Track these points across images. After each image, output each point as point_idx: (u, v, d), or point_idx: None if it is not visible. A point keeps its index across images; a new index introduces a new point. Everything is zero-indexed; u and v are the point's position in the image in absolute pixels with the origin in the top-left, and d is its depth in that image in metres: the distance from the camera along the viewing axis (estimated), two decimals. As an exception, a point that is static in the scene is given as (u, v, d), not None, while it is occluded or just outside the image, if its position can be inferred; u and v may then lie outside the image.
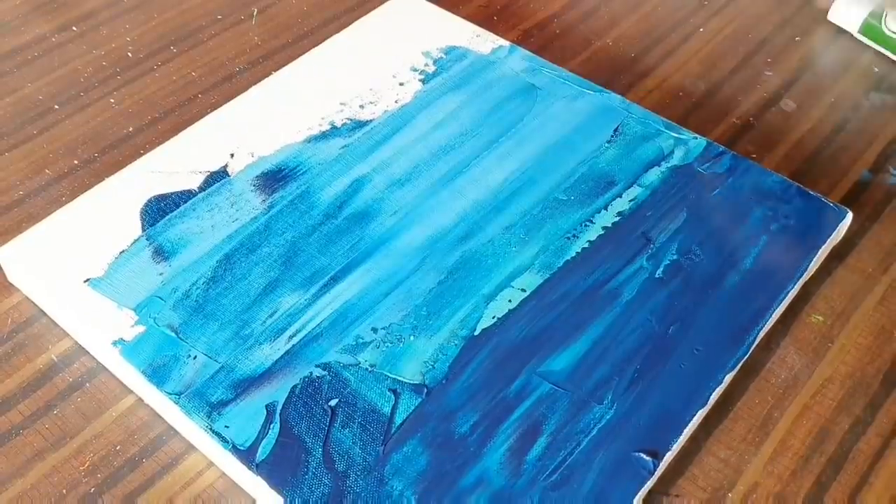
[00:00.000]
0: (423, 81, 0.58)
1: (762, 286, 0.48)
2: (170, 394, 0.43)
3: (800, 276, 0.48)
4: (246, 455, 0.41)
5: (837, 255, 0.52)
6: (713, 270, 0.48)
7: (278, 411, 0.42)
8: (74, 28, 0.65)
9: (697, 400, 0.43)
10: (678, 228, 0.50)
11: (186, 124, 0.56)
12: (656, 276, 0.48)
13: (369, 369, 0.44)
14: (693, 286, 0.48)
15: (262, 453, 0.41)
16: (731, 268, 0.48)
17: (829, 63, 0.64)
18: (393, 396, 0.43)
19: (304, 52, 0.60)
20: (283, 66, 0.59)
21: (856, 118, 0.60)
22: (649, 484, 0.41)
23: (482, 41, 0.61)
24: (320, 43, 0.61)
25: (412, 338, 0.45)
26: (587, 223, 0.50)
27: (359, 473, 0.41)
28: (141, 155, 0.54)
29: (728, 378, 0.44)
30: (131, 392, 0.45)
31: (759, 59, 0.64)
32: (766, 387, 0.46)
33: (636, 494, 0.40)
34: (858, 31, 0.65)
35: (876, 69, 0.64)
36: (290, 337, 0.45)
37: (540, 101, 0.57)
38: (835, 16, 0.66)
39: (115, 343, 0.44)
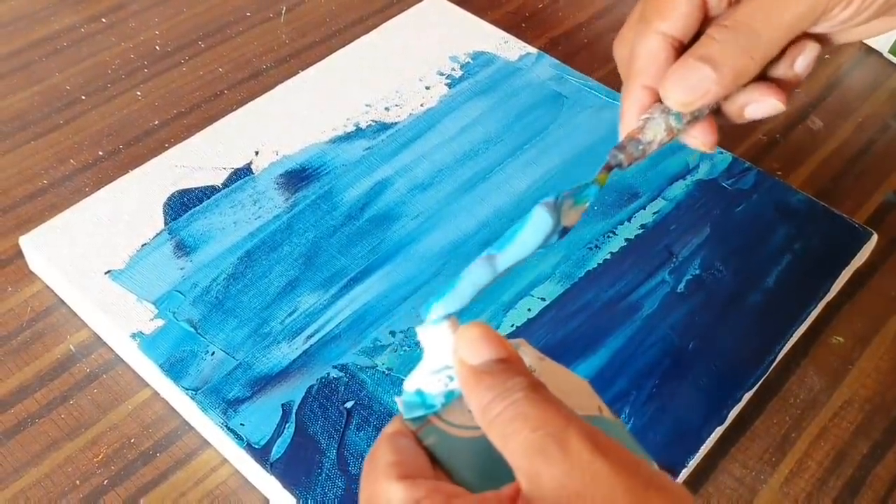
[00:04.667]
0: (450, 86, 0.58)
1: (784, 305, 0.47)
2: (186, 389, 0.43)
3: (822, 297, 0.48)
4: (260, 453, 0.41)
5: (860, 276, 0.51)
6: (735, 287, 0.48)
7: (294, 411, 0.42)
8: (104, 19, 0.65)
9: (715, 417, 0.43)
10: (701, 243, 0.50)
11: (212, 120, 0.56)
12: (678, 290, 0.48)
13: (386, 372, 0.44)
14: (714, 302, 0.47)
15: (276, 452, 0.41)
16: (754, 285, 0.48)
17: (857, 82, 0.64)
18: (409, 401, 0.43)
19: (331, 52, 0.60)
20: (310, 65, 0.59)
21: (883, 139, 0.60)
22: (664, 500, 0.40)
23: (510, 47, 0.61)
24: (348, 43, 0.61)
25: (430, 343, 0.45)
26: (610, 234, 0.50)
27: (372, 477, 0.40)
28: (165, 149, 0.54)
29: (747, 396, 0.44)
30: (147, 385, 0.45)
31: (787, 76, 0.64)
32: (784, 407, 0.46)
33: (650, 510, 0.40)
34: (889, 51, 0.65)
35: (905, 90, 0.63)
36: (308, 337, 0.45)
37: (566, 110, 0.57)
38: (865, 35, 0.66)
39: (133, 336, 0.44)
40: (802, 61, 0.33)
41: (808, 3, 0.31)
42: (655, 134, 0.32)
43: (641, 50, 0.32)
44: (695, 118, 0.32)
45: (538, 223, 0.33)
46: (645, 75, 0.32)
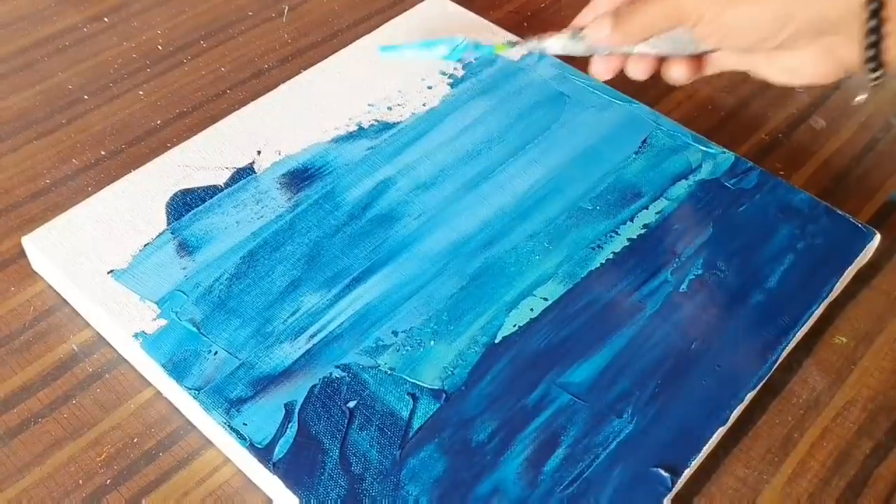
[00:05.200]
0: (452, 85, 0.58)
1: (786, 305, 0.47)
2: (189, 389, 0.43)
3: (825, 297, 0.48)
4: (263, 453, 0.41)
5: (863, 276, 0.51)
6: (738, 287, 0.48)
7: (297, 411, 0.42)
8: (106, 19, 0.65)
9: (718, 417, 0.43)
10: (704, 243, 0.50)
11: (214, 119, 0.56)
12: (680, 290, 0.48)
13: (388, 372, 0.44)
14: (717, 302, 0.47)
15: (279, 452, 0.41)
16: (756, 285, 0.48)
17: (860, 82, 0.64)
18: (411, 401, 0.43)
19: (333, 52, 0.60)
20: (313, 64, 0.60)
21: (886, 139, 0.59)
22: (666, 501, 0.41)
23: (512, 47, 0.61)
24: (350, 43, 0.61)
25: (432, 343, 0.45)
26: (612, 234, 0.50)
27: (375, 477, 0.40)
28: (168, 148, 0.54)
29: (749, 397, 0.44)
30: (150, 385, 0.45)
31: (789, 76, 0.64)
32: (787, 407, 0.46)
33: (653, 510, 0.40)
34: (891, 51, 0.65)
35: (908, 90, 0.63)
36: (311, 336, 0.45)
37: (568, 110, 0.57)
38: (868, 34, 0.66)
39: (136, 335, 0.45)
40: (674, 72, 0.44)
41: (665, 12, 0.40)
42: (555, 45, 0.46)
43: None
44: (590, 51, 0.45)
45: (437, 50, 0.49)
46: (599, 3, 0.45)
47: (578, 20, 0.45)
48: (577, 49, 0.45)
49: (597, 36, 0.43)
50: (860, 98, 0.40)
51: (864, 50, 0.37)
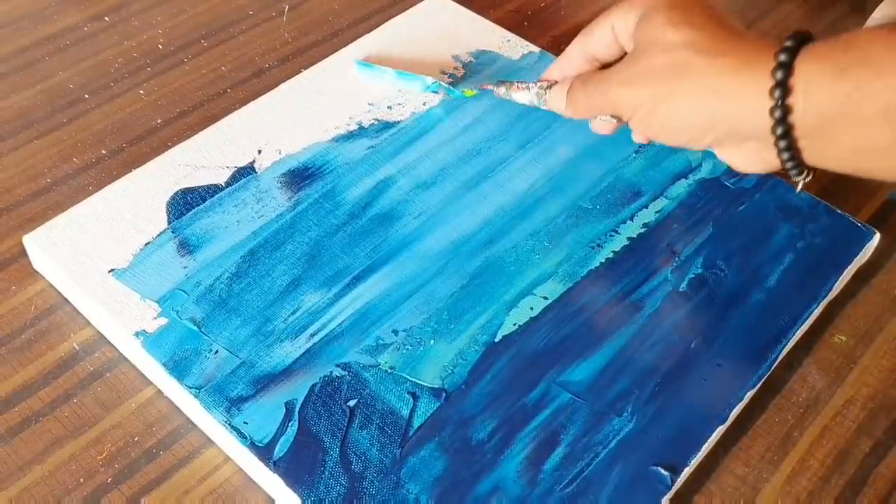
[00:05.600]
0: (452, 84, 0.58)
1: (786, 304, 0.47)
2: (190, 387, 0.43)
3: (824, 296, 0.48)
4: (264, 452, 0.41)
5: (863, 275, 0.51)
6: (737, 286, 0.48)
7: (297, 409, 0.42)
8: (106, 18, 0.65)
9: (718, 416, 0.43)
10: (703, 242, 0.50)
11: (214, 118, 0.56)
12: (680, 289, 0.48)
13: (389, 371, 0.44)
14: (717, 301, 0.47)
15: (279, 451, 0.41)
16: (756, 284, 0.48)
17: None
18: (411, 399, 0.43)
19: (334, 51, 0.60)
20: (313, 63, 0.60)
21: (886, 138, 0.59)
22: (666, 499, 0.41)
23: (512, 46, 0.61)
24: (350, 42, 0.61)
25: (432, 341, 0.45)
26: (612, 233, 0.50)
27: (375, 475, 0.40)
28: (168, 147, 0.54)
29: (749, 395, 0.44)
30: (151, 384, 0.45)
31: (789, 75, 0.64)
32: (786, 406, 0.46)
33: (653, 509, 0.40)
34: (891, 50, 0.65)
35: (908, 89, 0.63)
36: (312, 335, 0.45)
37: (568, 109, 0.57)
38: (868, 33, 0.66)
39: (136, 334, 0.45)
40: (634, 135, 0.46)
41: (605, 101, 0.43)
42: (522, 97, 0.49)
43: (573, 50, 0.47)
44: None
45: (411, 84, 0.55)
46: (566, 65, 0.47)
47: (547, 75, 0.48)
48: (540, 105, 0.48)
49: (553, 107, 0.47)
50: (799, 189, 0.41)
51: (781, 157, 0.38)
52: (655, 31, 0.40)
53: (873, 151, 0.36)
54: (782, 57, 0.36)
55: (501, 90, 0.49)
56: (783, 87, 0.36)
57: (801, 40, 0.37)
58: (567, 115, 0.47)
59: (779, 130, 0.37)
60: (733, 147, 0.41)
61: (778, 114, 0.36)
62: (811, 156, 0.38)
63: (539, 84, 0.48)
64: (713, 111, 0.39)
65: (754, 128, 0.38)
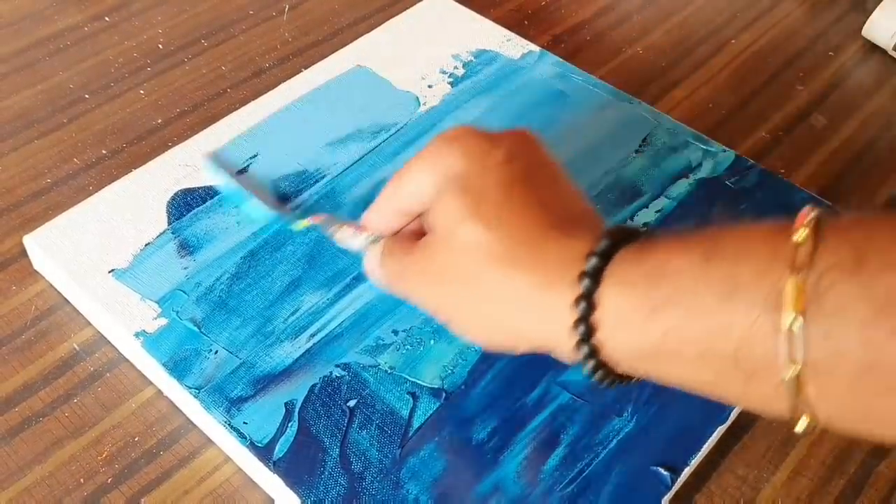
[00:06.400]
0: (452, 84, 0.58)
1: (787, 304, 0.47)
2: (190, 388, 0.43)
3: (825, 295, 0.48)
4: (263, 452, 0.41)
5: (864, 274, 0.51)
6: (738, 286, 0.48)
7: (297, 410, 0.42)
8: (107, 18, 0.65)
9: (718, 416, 0.43)
10: (704, 242, 0.50)
11: (215, 118, 0.56)
12: (680, 289, 0.48)
13: (388, 371, 0.44)
14: (717, 301, 0.47)
15: (279, 451, 0.41)
16: (756, 284, 0.48)
17: (861, 79, 0.64)
18: (411, 399, 0.43)
19: (333, 51, 0.60)
20: (313, 63, 0.60)
21: (887, 136, 0.59)
22: (666, 499, 0.41)
23: (512, 45, 0.61)
24: (351, 42, 0.61)
25: (432, 342, 0.45)
26: (612, 233, 0.50)
27: (375, 475, 0.40)
28: (168, 147, 0.54)
29: (749, 395, 0.44)
30: (151, 384, 0.45)
31: (790, 73, 0.64)
32: (787, 405, 0.46)
33: (653, 509, 0.40)
34: (893, 49, 0.65)
35: (909, 88, 0.63)
36: (311, 336, 0.45)
37: (568, 108, 0.57)
38: (869, 31, 0.66)
39: (136, 335, 0.45)
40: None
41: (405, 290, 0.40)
42: (344, 241, 0.43)
43: (382, 204, 0.41)
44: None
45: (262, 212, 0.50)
46: (375, 219, 0.42)
47: (365, 220, 0.42)
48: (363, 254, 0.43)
49: (368, 268, 0.42)
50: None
51: (589, 374, 0.34)
52: (448, 220, 0.35)
53: (701, 385, 0.32)
54: (583, 285, 0.32)
55: (332, 230, 0.43)
56: (586, 323, 0.32)
57: (607, 253, 0.32)
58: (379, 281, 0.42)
59: (588, 365, 0.33)
60: (551, 352, 0.36)
61: (585, 349, 0.32)
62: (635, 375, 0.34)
63: (366, 236, 0.42)
64: (516, 328, 0.35)
65: (566, 352, 0.34)
